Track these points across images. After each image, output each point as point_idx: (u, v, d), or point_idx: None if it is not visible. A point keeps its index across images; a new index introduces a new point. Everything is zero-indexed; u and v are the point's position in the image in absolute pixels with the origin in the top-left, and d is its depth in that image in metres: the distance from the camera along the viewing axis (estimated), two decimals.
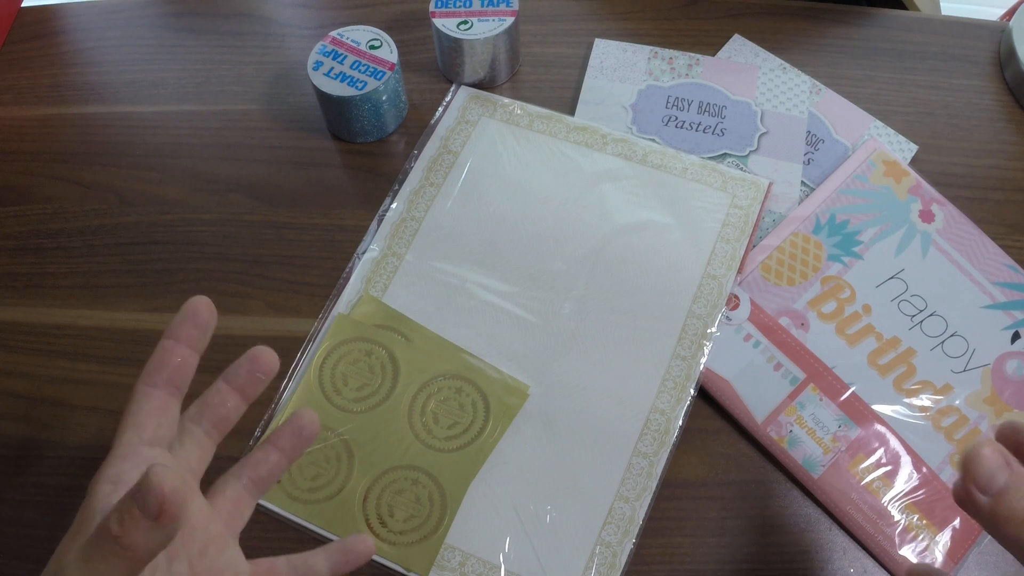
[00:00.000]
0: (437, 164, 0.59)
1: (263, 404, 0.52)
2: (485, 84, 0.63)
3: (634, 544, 0.47)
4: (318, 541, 0.48)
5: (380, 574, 0.47)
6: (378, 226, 0.57)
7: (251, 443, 0.50)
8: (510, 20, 0.59)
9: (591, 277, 0.55)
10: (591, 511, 0.48)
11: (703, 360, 0.52)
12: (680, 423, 0.50)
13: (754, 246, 0.56)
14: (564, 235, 0.56)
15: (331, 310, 0.54)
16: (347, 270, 0.56)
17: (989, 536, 0.48)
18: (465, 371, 0.52)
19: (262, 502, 0.49)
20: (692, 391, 0.51)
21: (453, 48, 0.60)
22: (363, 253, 0.56)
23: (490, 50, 0.60)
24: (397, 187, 0.58)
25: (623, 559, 0.47)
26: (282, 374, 0.53)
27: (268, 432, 0.50)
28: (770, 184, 0.57)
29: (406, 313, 0.54)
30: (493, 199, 0.57)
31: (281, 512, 0.49)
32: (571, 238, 0.56)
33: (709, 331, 0.52)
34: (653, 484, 0.49)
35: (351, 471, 0.49)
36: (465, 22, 0.59)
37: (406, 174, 0.59)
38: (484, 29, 0.58)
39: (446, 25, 0.59)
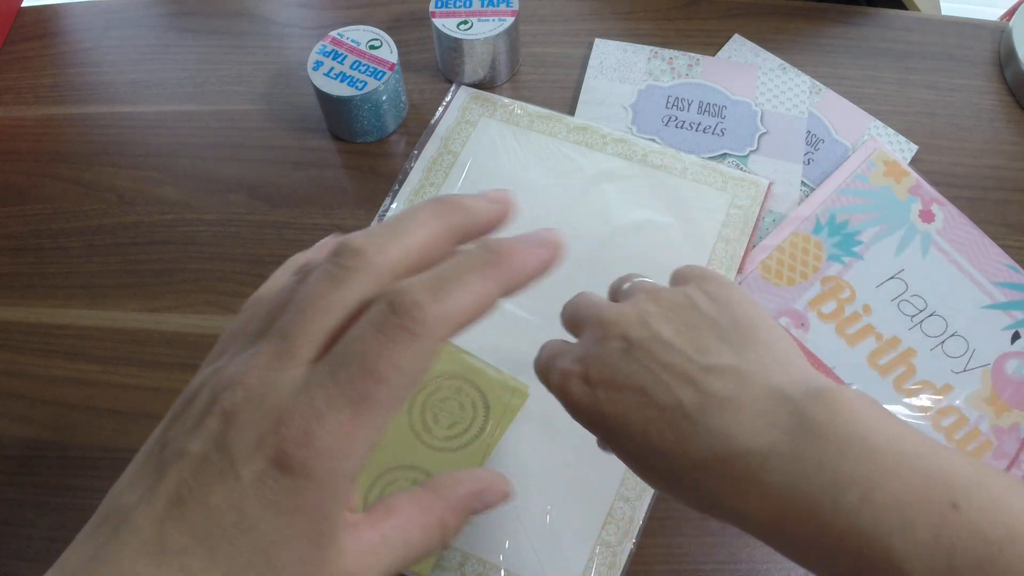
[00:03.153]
0: (437, 164, 0.59)
1: None
2: (485, 84, 0.63)
3: (634, 544, 0.47)
4: None
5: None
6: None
7: None
8: (510, 20, 0.59)
9: (591, 277, 0.55)
10: (591, 511, 0.48)
11: None
12: None
13: (754, 246, 0.56)
14: (565, 235, 0.56)
15: None
16: None
17: None
18: (465, 371, 0.52)
19: None
20: None
21: (453, 48, 0.60)
22: None
23: (490, 50, 0.60)
24: (397, 187, 0.58)
25: (623, 559, 0.47)
26: None
27: None
28: (770, 184, 0.57)
29: None
30: None
31: None
32: (571, 238, 0.56)
33: None
34: None
35: None
36: (465, 22, 0.59)
37: (406, 174, 0.59)
38: (484, 29, 0.58)
39: (446, 25, 0.59)
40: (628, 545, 0.47)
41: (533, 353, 0.53)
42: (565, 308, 0.36)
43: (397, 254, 0.23)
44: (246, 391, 0.22)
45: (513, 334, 0.53)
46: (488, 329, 0.53)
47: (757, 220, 0.56)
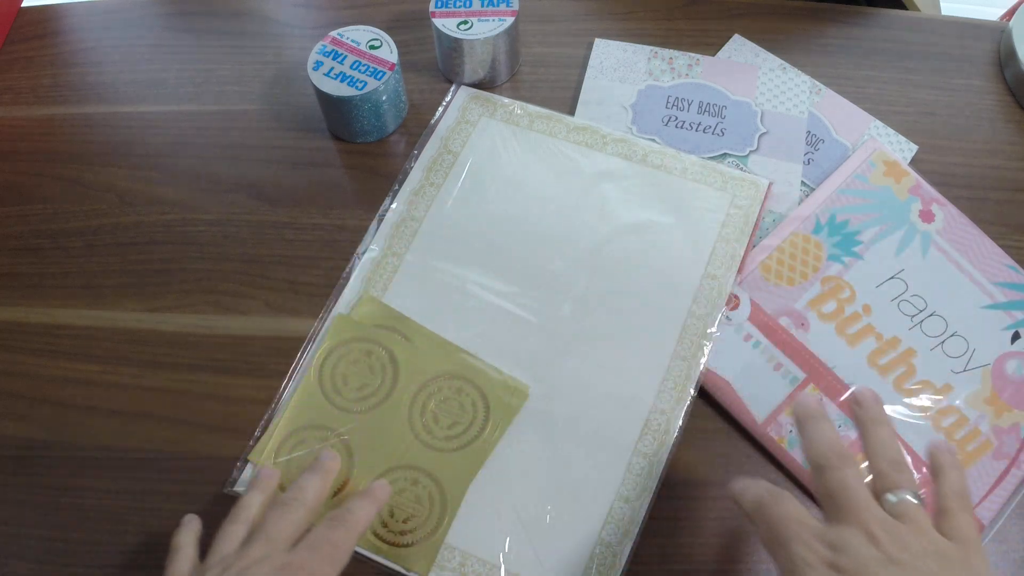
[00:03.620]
0: (437, 164, 0.59)
1: (263, 404, 0.52)
2: (485, 84, 0.63)
3: (634, 544, 0.47)
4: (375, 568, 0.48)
5: (380, 574, 0.47)
6: (378, 226, 0.57)
7: (251, 443, 0.50)
8: (510, 20, 0.59)
9: (591, 277, 0.55)
10: (591, 511, 0.48)
11: (703, 360, 0.52)
12: (680, 423, 0.50)
13: (754, 246, 0.56)
14: (564, 235, 0.56)
15: (331, 310, 0.54)
16: (347, 270, 0.56)
17: (989, 536, 0.48)
18: (465, 371, 0.52)
19: None
20: (692, 391, 0.51)
21: (453, 48, 0.60)
22: (363, 253, 0.56)
23: (490, 50, 0.60)
24: (397, 187, 0.58)
25: (623, 559, 0.47)
26: (282, 374, 0.53)
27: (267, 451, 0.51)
28: (770, 184, 0.57)
29: (406, 313, 0.54)
30: (493, 199, 0.57)
31: None
32: (571, 238, 0.56)
33: (709, 331, 0.52)
34: (653, 484, 0.49)
35: (351, 471, 0.49)
36: (465, 22, 0.59)
37: (406, 174, 0.59)
38: (484, 29, 0.58)
39: (446, 25, 0.59)
40: (628, 545, 0.47)
41: (533, 352, 0.53)
42: (823, 463, 0.39)
43: (312, 496, 0.45)
44: (250, 558, 0.40)
45: (513, 333, 0.53)
46: (488, 329, 0.53)
47: (757, 220, 0.56)
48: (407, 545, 0.47)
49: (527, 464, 0.50)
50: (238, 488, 0.49)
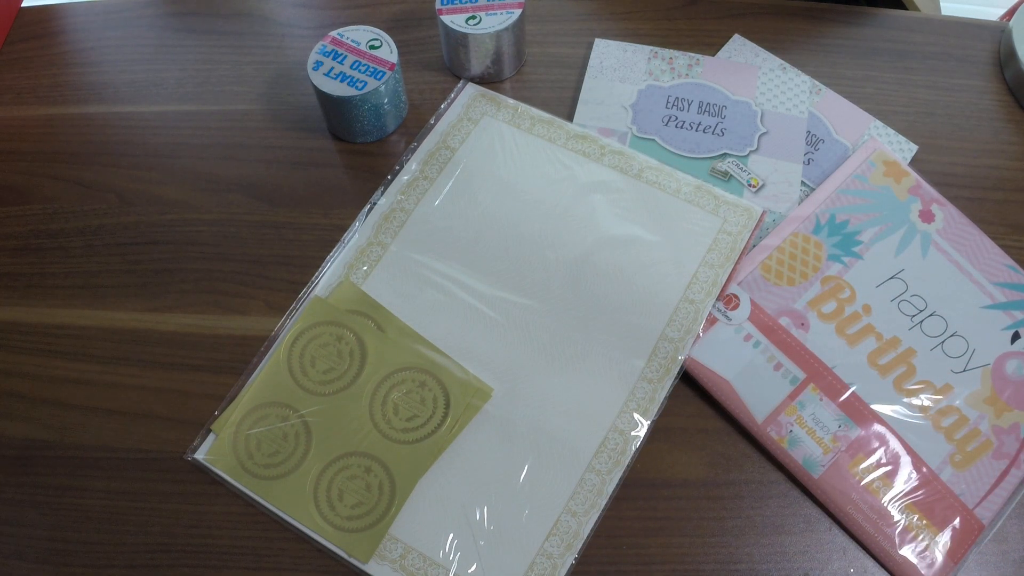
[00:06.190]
0: (433, 158, 0.59)
1: (235, 373, 0.52)
2: (491, 78, 0.63)
3: (575, 560, 0.47)
4: (316, 547, 0.48)
5: (323, 556, 0.48)
6: (368, 212, 0.57)
7: (217, 413, 0.51)
8: (518, 12, 0.59)
9: (569, 287, 0.54)
10: (537, 520, 0.48)
11: (671, 384, 0.51)
12: (638, 446, 0.50)
13: (753, 246, 0.55)
14: (549, 242, 0.56)
15: (311, 291, 0.55)
16: (332, 254, 0.56)
17: (989, 536, 0.48)
18: (430, 366, 0.52)
19: (215, 469, 0.50)
20: (655, 415, 0.51)
21: (461, 44, 0.60)
22: (349, 239, 0.56)
23: (499, 43, 0.60)
24: (390, 178, 0.59)
25: (563, 572, 0.47)
26: (260, 354, 0.53)
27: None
28: (763, 212, 0.56)
29: (383, 302, 0.54)
30: (483, 199, 0.57)
31: (233, 482, 0.49)
32: (555, 246, 0.56)
33: (680, 357, 0.52)
34: (602, 502, 0.49)
35: (307, 452, 0.50)
36: (473, 17, 0.59)
37: (403, 164, 0.59)
38: (493, 23, 0.58)
39: (454, 21, 0.58)
40: (569, 560, 0.47)
41: (501, 355, 0.53)
42: None
43: None
44: None
45: (484, 334, 0.53)
46: (461, 328, 0.53)
47: (744, 247, 0.55)
48: (352, 531, 0.48)
49: (480, 466, 0.50)
50: (198, 456, 0.50)
